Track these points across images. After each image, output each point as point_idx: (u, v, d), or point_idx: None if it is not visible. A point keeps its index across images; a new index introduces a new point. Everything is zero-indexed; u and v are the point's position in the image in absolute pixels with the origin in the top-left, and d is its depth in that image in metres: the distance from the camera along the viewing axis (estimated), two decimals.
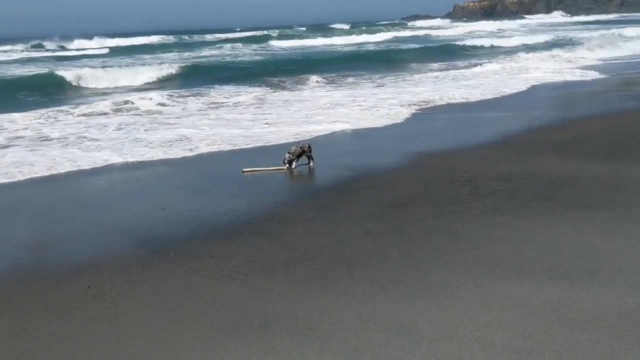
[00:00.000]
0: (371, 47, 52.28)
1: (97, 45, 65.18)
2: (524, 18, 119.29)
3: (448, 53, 43.11)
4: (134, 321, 5.33)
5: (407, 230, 7.36)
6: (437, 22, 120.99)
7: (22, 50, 59.62)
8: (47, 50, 60.17)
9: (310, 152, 11.23)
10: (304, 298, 5.56)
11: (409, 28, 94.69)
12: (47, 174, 11.25)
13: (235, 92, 23.76)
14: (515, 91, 21.11)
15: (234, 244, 7.09)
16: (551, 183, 9.15)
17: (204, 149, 13.02)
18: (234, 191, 9.72)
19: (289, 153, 11.02)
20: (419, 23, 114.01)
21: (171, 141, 13.84)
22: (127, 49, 58.21)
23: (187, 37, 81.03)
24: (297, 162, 11.02)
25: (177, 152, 12.73)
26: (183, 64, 34.83)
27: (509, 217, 7.65)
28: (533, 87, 22.08)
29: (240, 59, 42.85)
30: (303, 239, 7.17)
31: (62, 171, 11.45)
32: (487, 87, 22.31)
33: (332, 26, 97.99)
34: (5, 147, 14.05)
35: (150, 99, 21.47)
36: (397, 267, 6.18)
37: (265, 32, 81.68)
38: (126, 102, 20.91)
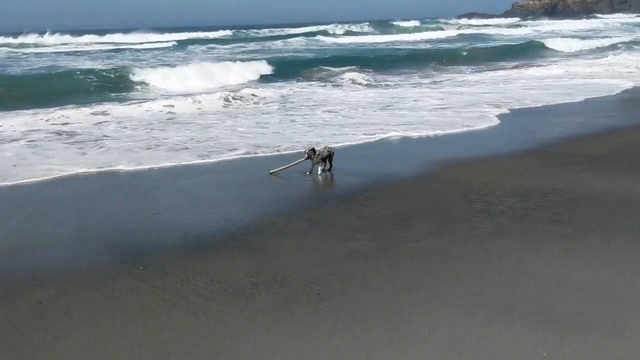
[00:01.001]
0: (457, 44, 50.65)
1: (159, 38, 66.08)
2: (596, 17, 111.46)
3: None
4: (67, 348, 4.78)
5: (399, 251, 6.58)
6: (501, 20, 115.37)
7: (87, 43, 60.66)
8: (109, 43, 60.98)
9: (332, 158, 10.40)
10: (257, 333, 4.87)
11: (479, 26, 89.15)
12: None
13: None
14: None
15: (209, 259, 6.47)
16: (573, 202, 8.18)
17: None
18: (240, 196, 9.14)
19: (311, 150, 10.15)
20: (484, 21, 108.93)
21: None
22: (190, 42, 58.71)
23: (244, 32, 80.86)
24: (321, 166, 10.23)
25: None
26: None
27: (516, 241, 6.77)
28: None
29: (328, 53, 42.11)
30: (284, 256, 6.49)
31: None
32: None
33: (395, 23, 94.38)
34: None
35: None
36: (372, 297, 5.42)
37: (321, 27, 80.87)
38: None
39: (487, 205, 8.23)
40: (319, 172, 10.22)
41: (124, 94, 23.64)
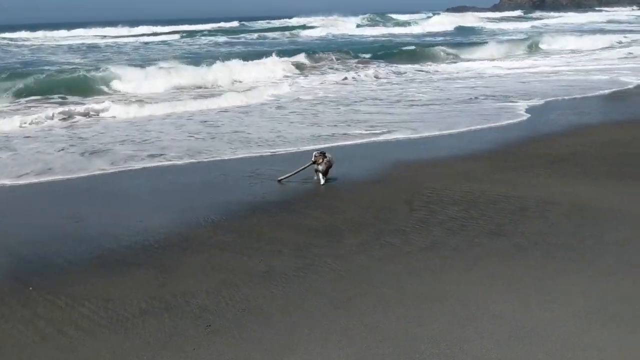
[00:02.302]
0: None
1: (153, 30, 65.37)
2: (600, 11, 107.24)
3: None
4: None
5: (318, 270, 5.88)
6: (495, 14, 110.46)
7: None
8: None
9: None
10: None
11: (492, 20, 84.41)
12: None
13: None
14: None
15: (107, 279, 5.75)
16: (520, 211, 7.45)
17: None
18: (183, 200, 8.45)
19: (321, 154, 8.97)
20: (481, 14, 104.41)
21: None
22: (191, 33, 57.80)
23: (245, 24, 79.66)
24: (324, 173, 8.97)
25: None
26: None
27: (444, 260, 6.05)
28: None
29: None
30: (190, 275, 5.80)
31: None
32: None
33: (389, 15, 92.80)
34: None
35: None
36: (264, 333, 4.70)
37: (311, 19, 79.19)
38: None
39: (427, 214, 7.51)
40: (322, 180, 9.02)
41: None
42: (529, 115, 14.63)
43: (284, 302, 5.20)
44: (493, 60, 29.92)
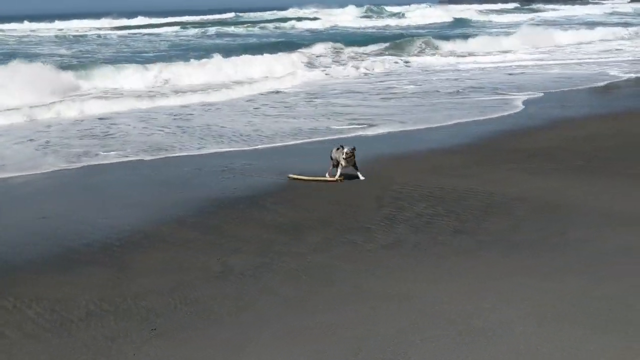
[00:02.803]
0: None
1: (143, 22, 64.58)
2: (597, 4, 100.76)
3: None
4: None
5: (276, 269, 5.73)
6: (491, 6, 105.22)
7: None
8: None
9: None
10: None
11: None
12: None
13: None
14: None
15: (59, 278, 5.57)
16: (487, 207, 7.31)
17: None
18: (154, 196, 8.30)
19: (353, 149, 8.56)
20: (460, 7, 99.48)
21: None
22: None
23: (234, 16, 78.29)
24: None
25: None
26: None
27: (404, 258, 5.89)
28: None
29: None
30: (145, 275, 5.64)
31: None
32: None
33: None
34: None
35: None
36: (213, 335, 4.51)
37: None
38: None
39: (395, 210, 7.37)
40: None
41: None
42: (521, 108, 14.50)
43: (235, 302, 5.06)
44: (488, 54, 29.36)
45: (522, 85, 18.43)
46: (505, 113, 14.06)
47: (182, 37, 43.99)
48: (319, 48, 29.45)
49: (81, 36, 44.48)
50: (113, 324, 4.75)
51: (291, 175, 8.84)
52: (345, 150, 8.62)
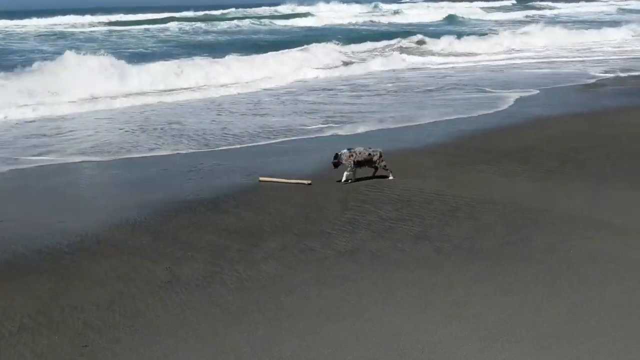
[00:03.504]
0: None
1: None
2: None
3: None
4: None
5: (225, 279, 5.43)
6: (490, 3, 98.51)
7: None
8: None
9: (379, 163, 8.37)
10: None
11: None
12: None
13: None
14: None
15: (1, 287, 5.34)
16: (452, 212, 7.04)
17: None
18: (113, 200, 8.00)
19: (349, 151, 8.18)
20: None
21: None
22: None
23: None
24: (354, 172, 8.26)
25: None
26: None
27: (360, 267, 5.60)
28: None
29: None
30: (90, 285, 5.33)
31: None
32: None
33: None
34: None
35: None
36: (132, 357, 4.29)
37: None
38: None
39: (359, 214, 7.10)
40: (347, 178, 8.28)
41: None
42: (502, 107, 14.24)
43: (175, 317, 4.78)
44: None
45: (508, 83, 18.19)
46: (485, 111, 13.80)
47: (168, 34, 43.11)
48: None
49: (69, 33, 43.34)
50: (45, 339, 4.47)
51: (262, 179, 8.53)
52: (368, 152, 8.37)
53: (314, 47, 27.29)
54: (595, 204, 7.14)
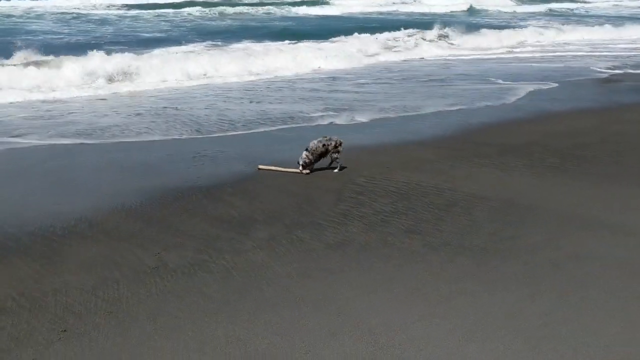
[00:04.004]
0: None
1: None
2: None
3: None
4: None
5: (211, 267, 5.41)
6: None
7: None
8: None
9: (337, 151, 8.38)
10: None
11: None
12: None
13: None
14: None
15: None
16: (447, 206, 6.95)
17: None
18: (111, 184, 7.99)
19: (306, 151, 8.24)
20: None
21: None
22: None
23: None
24: (314, 164, 8.35)
25: None
26: None
27: (346, 260, 5.56)
28: None
29: None
30: (76, 269, 5.34)
31: None
32: None
33: None
34: None
35: None
36: (108, 343, 4.23)
37: None
38: None
39: (353, 206, 7.03)
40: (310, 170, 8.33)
41: None
42: (509, 100, 14.03)
43: (157, 304, 4.77)
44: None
45: (519, 75, 17.93)
46: (491, 103, 13.61)
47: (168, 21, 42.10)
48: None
49: (80, 16, 42.25)
50: (24, 322, 4.48)
51: (261, 167, 8.49)
52: (321, 143, 8.38)
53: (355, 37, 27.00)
54: (590, 202, 7.01)
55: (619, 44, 29.52)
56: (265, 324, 4.43)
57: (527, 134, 10.57)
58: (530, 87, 15.80)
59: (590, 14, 55.31)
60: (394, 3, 63.54)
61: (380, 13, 51.45)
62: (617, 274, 5.11)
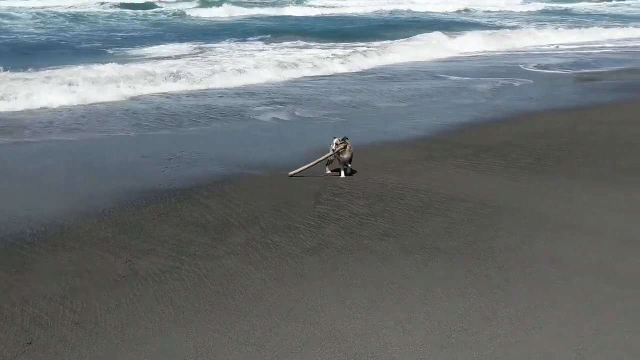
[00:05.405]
0: None
1: None
2: None
3: None
4: None
5: (183, 275, 5.26)
6: None
7: None
8: None
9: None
10: None
11: None
12: None
13: None
14: None
15: None
16: (424, 208, 6.86)
17: None
18: (86, 187, 7.79)
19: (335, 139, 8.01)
20: None
21: None
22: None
23: None
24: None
25: None
26: None
27: (322, 264, 5.44)
28: None
29: None
30: (46, 278, 5.17)
31: None
32: None
33: None
34: None
35: None
36: (74, 356, 4.13)
37: None
38: None
39: (331, 209, 6.92)
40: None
41: None
42: (487, 99, 13.99)
43: (127, 314, 4.61)
44: None
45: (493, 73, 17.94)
46: (469, 102, 13.57)
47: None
48: None
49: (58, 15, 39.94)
50: None
51: (292, 173, 8.03)
52: (334, 141, 8.09)
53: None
54: (563, 203, 6.96)
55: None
56: (237, 334, 4.30)
57: (501, 135, 10.52)
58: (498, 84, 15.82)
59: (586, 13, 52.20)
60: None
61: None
62: (589, 278, 5.05)
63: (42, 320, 4.49)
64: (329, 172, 8.30)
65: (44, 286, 5.03)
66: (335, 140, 8.10)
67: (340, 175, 8.16)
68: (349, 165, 8.21)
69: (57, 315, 4.57)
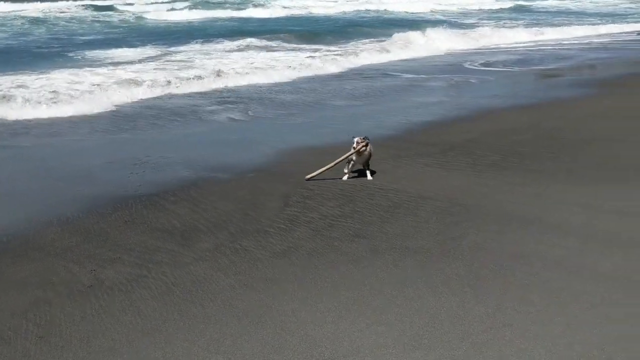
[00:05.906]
0: None
1: None
2: None
3: None
4: None
5: (150, 283, 5.12)
6: None
7: None
8: None
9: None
10: None
11: None
12: None
13: None
14: None
15: None
16: (393, 208, 6.85)
17: None
18: (50, 194, 7.57)
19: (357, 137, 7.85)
20: None
21: None
22: None
23: None
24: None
25: None
26: None
27: (290, 268, 5.37)
28: None
29: None
30: (8, 291, 4.96)
31: None
32: None
33: None
34: None
35: None
36: None
37: None
38: None
39: (300, 211, 6.85)
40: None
41: None
42: (453, 96, 14.09)
43: (92, 325, 4.48)
44: None
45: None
46: (436, 99, 13.67)
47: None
48: None
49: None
50: None
51: (308, 177, 7.84)
52: (355, 139, 7.88)
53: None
54: (530, 199, 7.03)
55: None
56: (206, 343, 4.21)
57: (466, 132, 10.59)
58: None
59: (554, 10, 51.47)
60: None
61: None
62: (557, 274, 5.09)
63: (4, 335, 4.33)
64: (346, 176, 7.92)
65: (6, 299, 4.85)
66: (357, 139, 7.88)
67: (366, 177, 7.93)
68: (367, 168, 8.02)
69: (20, 329, 4.41)
